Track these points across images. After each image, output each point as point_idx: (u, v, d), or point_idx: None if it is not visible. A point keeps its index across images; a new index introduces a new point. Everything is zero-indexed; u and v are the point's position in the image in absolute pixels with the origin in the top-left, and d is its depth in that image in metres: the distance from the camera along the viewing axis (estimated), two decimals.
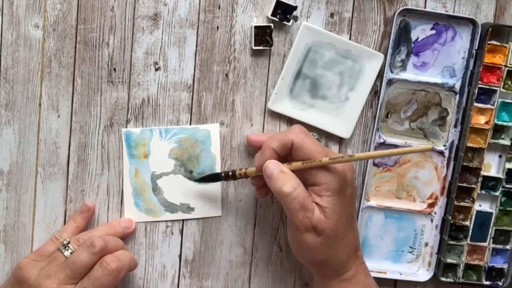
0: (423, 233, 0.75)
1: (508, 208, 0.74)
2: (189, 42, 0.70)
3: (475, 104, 0.72)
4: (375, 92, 0.73)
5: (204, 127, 0.72)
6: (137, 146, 0.71)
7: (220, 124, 0.72)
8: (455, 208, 0.73)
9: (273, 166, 0.63)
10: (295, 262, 0.74)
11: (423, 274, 0.76)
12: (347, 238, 0.65)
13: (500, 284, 0.75)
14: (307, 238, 0.63)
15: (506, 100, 0.72)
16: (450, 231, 0.74)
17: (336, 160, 0.62)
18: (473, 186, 0.73)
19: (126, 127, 0.71)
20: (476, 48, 0.72)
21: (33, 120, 0.69)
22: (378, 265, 0.75)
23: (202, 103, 0.71)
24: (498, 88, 0.71)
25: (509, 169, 0.73)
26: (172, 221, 0.72)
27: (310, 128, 0.72)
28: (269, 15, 0.69)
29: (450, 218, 0.73)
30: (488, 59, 0.71)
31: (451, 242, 0.74)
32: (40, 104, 0.69)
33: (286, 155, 0.64)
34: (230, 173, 0.67)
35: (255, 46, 0.70)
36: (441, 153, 0.74)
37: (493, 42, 0.71)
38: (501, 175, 0.73)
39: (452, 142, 0.74)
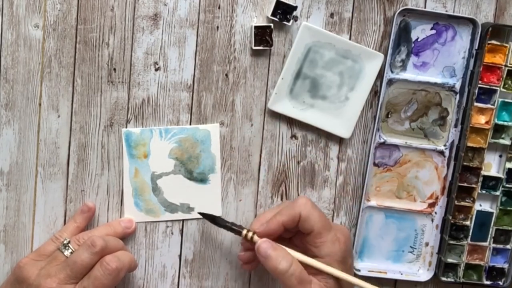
0: (424, 233, 0.75)
1: (508, 208, 0.74)
2: (189, 42, 0.70)
3: (475, 104, 0.72)
4: (375, 92, 0.73)
5: (204, 127, 0.72)
6: (137, 146, 0.71)
7: (220, 124, 0.72)
8: (456, 208, 0.73)
9: (266, 245, 0.63)
10: None
11: (424, 274, 0.76)
12: None
13: (501, 283, 0.74)
14: None
15: (506, 100, 0.72)
16: (451, 231, 0.74)
17: (328, 271, 0.63)
18: (473, 186, 0.73)
19: (126, 127, 0.71)
20: (476, 48, 0.72)
21: (33, 120, 0.70)
22: (379, 265, 0.75)
23: (202, 103, 0.71)
24: (498, 88, 0.71)
25: (509, 169, 0.73)
26: (172, 221, 0.72)
27: (310, 128, 0.72)
28: (269, 15, 0.69)
29: (450, 218, 0.73)
30: (488, 59, 0.71)
31: (451, 242, 0.74)
32: (40, 104, 0.69)
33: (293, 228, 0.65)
34: (235, 229, 0.66)
35: (255, 46, 0.70)
36: (441, 153, 0.74)
37: (493, 42, 0.71)
38: (501, 175, 0.73)
39: (453, 142, 0.74)
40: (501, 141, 0.73)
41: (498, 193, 0.73)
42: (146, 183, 0.71)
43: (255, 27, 0.69)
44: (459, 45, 0.73)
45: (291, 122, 0.73)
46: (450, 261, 0.74)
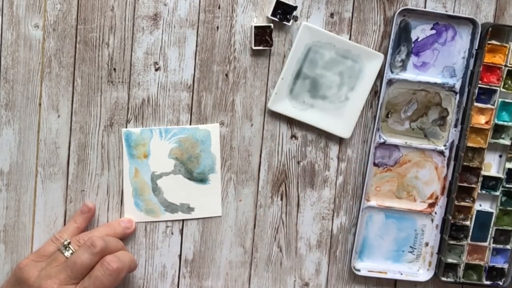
0: (424, 233, 0.75)
1: (508, 208, 0.74)
2: (189, 42, 0.70)
3: (475, 104, 0.72)
4: (375, 92, 0.73)
5: (204, 127, 0.72)
6: (137, 146, 0.71)
7: (220, 124, 0.72)
8: (456, 208, 0.73)
9: None
10: (295, 262, 0.74)
11: (424, 274, 0.76)
12: None
13: (501, 283, 0.74)
14: None
15: (506, 100, 0.72)
16: (451, 231, 0.74)
17: None
18: (473, 186, 0.73)
19: (126, 127, 0.71)
20: (476, 48, 0.72)
21: (33, 120, 0.69)
22: (379, 265, 0.75)
23: (202, 103, 0.71)
24: (498, 88, 0.71)
25: (509, 169, 0.73)
26: (172, 221, 0.72)
27: (310, 128, 0.72)
28: (269, 15, 0.69)
29: (450, 218, 0.73)
30: (488, 59, 0.71)
31: (451, 242, 0.74)
32: (40, 104, 0.69)
33: None
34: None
35: (255, 46, 0.70)
36: (441, 153, 0.74)
37: (493, 42, 0.71)
38: (501, 175, 0.73)
39: (453, 142, 0.74)
40: (501, 141, 0.73)
41: (498, 193, 0.73)
42: (146, 183, 0.71)
43: (255, 27, 0.69)
44: (459, 45, 0.73)
45: (291, 122, 0.73)
46: (450, 261, 0.74)
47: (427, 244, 0.76)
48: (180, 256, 0.73)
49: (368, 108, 0.73)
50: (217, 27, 0.70)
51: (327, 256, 0.75)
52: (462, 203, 0.73)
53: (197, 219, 0.72)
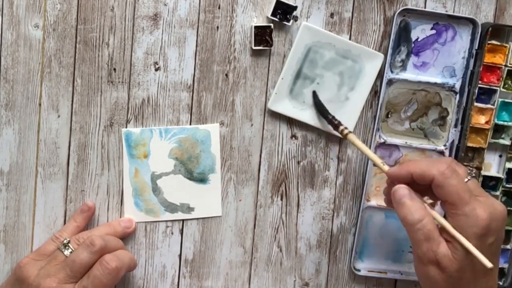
0: None
1: (508, 208, 0.73)
2: (189, 42, 0.70)
3: (475, 104, 0.72)
4: (375, 92, 0.73)
5: (204, 127, 0.72)
6: (137, 146, 0.71)
7: (220, 124, 0.72)
8: None
9: (403, 192, 0.60)
10: (295, 262, 0.74)
11: None
12: (479, 285, 0.60)
13: (501, 283, 0.74)
14: (430, 271, 0.59)
15: (506, 100, 0.72)
16: None
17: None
18: None
19: (126, 127, 0.71)
20: (476, 48, 0.72)
21: (33, 120, 0.70)
22: (379, 265, 0.75)
23: (202, 103, 0.71)
24: (498, 88, 0.71)
25: (509, 169, 0.73)
26: (172, 221, 0.72)
27: (310, 128, 0.72)
28: (269, 15, 0.69)
29: None
30: (488, 59, 0.71)
31: None
32: (40, 104, 0.69)
33: (427, 186, 0.61)
34: (335, 122, 0.69)
35: (255, 46, 0.70)
36: (441, 153, 0.74)
37: (493, 42, 0.71)
38: (501, 175, 0.73)
39: (453, 142, 0.74)
40: (501, 141, 0.73)
41: (498, 193, 0.73)
42: (146, 183, 0.71)
43: (255, 27, 0.69)
44: (459, 45, 0.73)
45: (291, 122, 0.73)
46: None
47: None
48: (180, 256, 0.73)
49: (368, 108, 0.73)
50: (217, 27, 0.70)
51: (327, 256, 0.75)
52: None
53: (197, 219, 0.72)
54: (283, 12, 0.69)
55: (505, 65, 0.71)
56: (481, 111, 0.72)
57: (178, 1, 0.70)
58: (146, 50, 0.70)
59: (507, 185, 0.73)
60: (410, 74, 0.73)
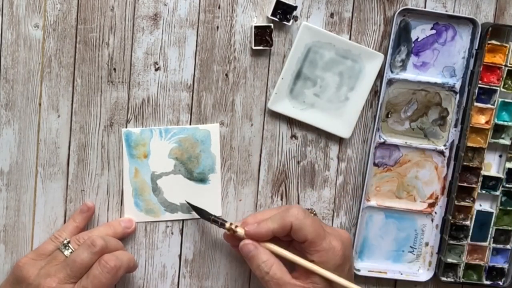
0: (424, 233, 0.75)
1: (508, 208, 0.74)
2: (189, 42, 0.70)
3: (475, 103, 0.72)
4: (375, 92, 0.73)
5: (204, 127, 0.72)
6: (137, 146, 0.71)
7: (220, 124, 0.72)
8: (456, 208, 0.73)
9: (248, 248, 0.65)
10: None
11: (424, 274, 0.76)
12: None
13: (501, 283, 0.74)
14: None
15: (506, 100, 0.72)
16: (451, 231, 0.74)
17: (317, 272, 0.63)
18: (473, 185, 0.73)
19: (126, 127, 0.71)
20: (476, 48, 0.72)
21: (33, 120, 0.70)
22: (379, 265, 0.75)
23: (202, 103, 0.71)
24: (498, 88, 0.71)
25: (509, 169, 0.73)
26: (172, 221, 0.72)
27: (310, 128, 0.72)
28: (269, 15, 0.69)
29: (450, 217, 0.73)
30: (488, 58, 0.71)
31: (451, 242, 0.74)
32: (40, 104, 0.69)
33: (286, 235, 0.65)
34: (220, 222, 0.67)
35: (255, 46, 0.70)
36: (441, 152, 0.74)
37: (493, 41, 0.71)
38: (501, 175, 0.73)
39: (453, 141, 0.74)
40: (501, 141, 0.73)
41: (498, 193, 0.73)
42: (146, 183, 0.71)
43: (255, 27, 0.69)
44: (459, 45, 0.73)
45: (291, 122, 0.73)
46: (450, 261, 0.74)
47: (427, 244, 0.76)
48: (180, 256, 0.73)
49: (368, 108, 0.73)
50: (217, 27, 0.70)
51: None
52: (462, 203, 0.73)
53: (197, 219, 0.72)
54: (283, 12, 0.69)
55: (505, 65, 0.71)
56: (481, 111, 0.72)
57: (178, 1, 0.70)
58: (146, 50, 0.70)
59: (507, 185, 0.73)
60: (410, 74, 0.73)
